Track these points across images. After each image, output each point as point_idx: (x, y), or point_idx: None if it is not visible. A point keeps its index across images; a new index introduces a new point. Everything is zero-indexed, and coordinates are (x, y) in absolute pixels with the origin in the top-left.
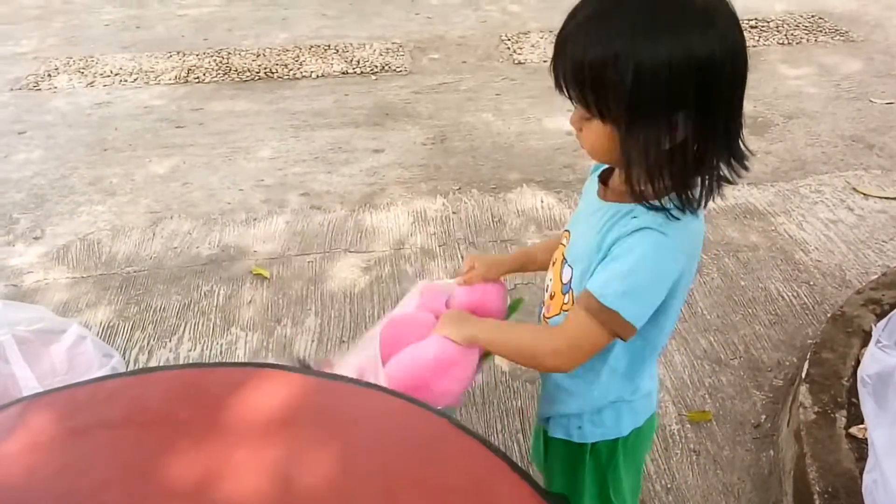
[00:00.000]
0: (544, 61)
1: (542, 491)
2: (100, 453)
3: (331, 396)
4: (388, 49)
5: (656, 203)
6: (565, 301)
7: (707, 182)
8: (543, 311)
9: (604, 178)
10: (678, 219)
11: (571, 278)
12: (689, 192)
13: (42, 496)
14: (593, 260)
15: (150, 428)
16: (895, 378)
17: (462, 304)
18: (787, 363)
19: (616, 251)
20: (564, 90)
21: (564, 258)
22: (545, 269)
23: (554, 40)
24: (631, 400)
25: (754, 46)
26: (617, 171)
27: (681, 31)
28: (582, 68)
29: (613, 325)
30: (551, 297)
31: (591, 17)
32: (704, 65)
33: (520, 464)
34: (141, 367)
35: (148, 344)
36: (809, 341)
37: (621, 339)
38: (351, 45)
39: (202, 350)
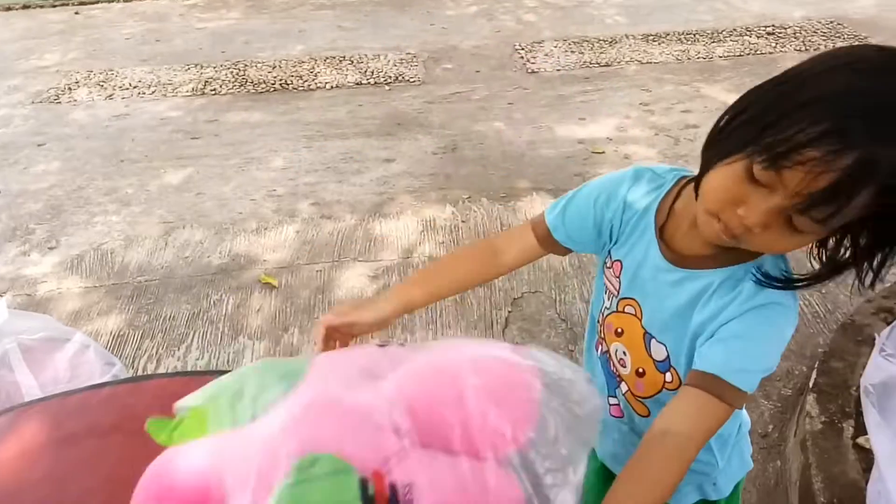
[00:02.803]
0: (557, 70)
1: None
2: (86, 461)
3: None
4: (402, 59)
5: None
6: (668, 380)
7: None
8: (626, 388)
9: (662, 235)
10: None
11: (669, 355)
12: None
13: (27, 501)
14: (695, 332)
15: (137, 436)
16: None
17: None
18: (797, 372)
19: (741, 327)
20: (820, 220)
21: (647, 331)
22: (464, 288)
23: (840, 167)
24: (746, 428)
25: (771, 53)
26: (690, 234)
27: None
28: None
29: (742, 403)
30: (638, 374)
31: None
32: None
33: None
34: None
35: (157, 353)
36: (820, 350)
37: None
38: (366, 55)
39: (210, 359)
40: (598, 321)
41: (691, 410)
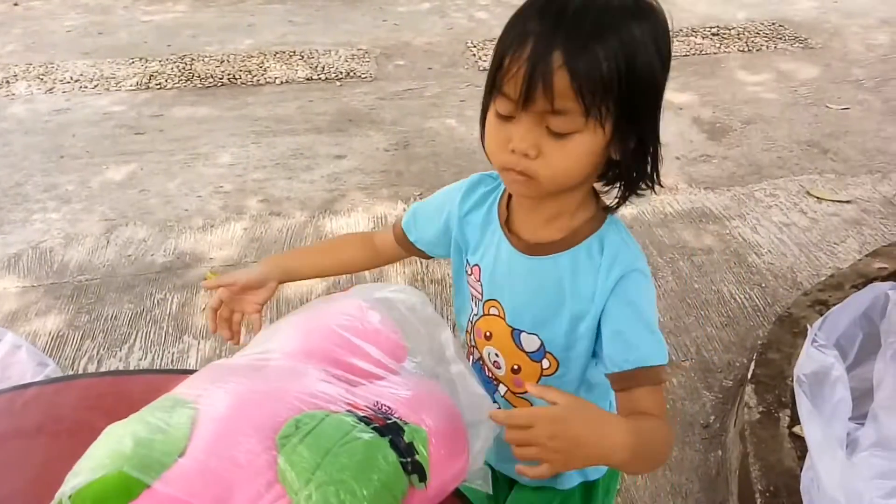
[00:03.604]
0: None
1: None
2: (11, 462)
3: None
4: (353, 55)
5: (604, 218)
6: (545, 366)
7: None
8: (504, 389)
9: (510, 229)
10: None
11: (542, 343)
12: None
13: None
14: (574, 315)
15: (63, 436)
16: (830, 377)
17: None
18: (738, 364)
19: (621, 313)
20: (546, 104)
21: (514, 328)
22: (345, 270)
23: (526, 53)
24: None
25: (715, 53)
26: (532, 219)
27: (659, 23)
28: (602, 73)
29: (666, 370)
30: (514, 371)
31: (584, 23)
32: (668, 58)
33: None
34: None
35: (98, 353)
36: (759, 342)
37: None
38: (316, 51)
39: (153, 359)
40: (468, 330)
41: (649, 404)
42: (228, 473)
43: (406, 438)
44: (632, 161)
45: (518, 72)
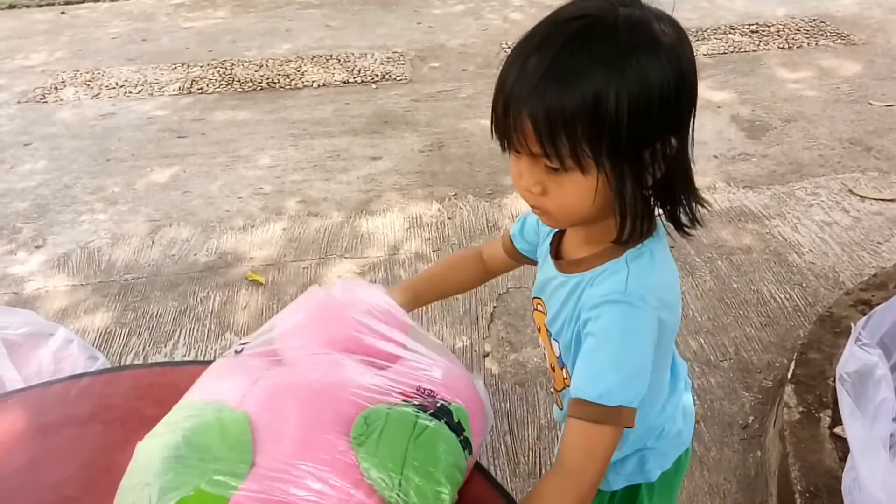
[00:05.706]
0: None
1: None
2: (65, 449)
3: None
4: (389, 58)
5: (631, 250)
6: (565, 376)
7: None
8: (553, 382)
9: (552, 249)
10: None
11: (560, 352)
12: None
13: (4, 488)
14: (569, 336)
15: (114, 424)
16: (874, 376)
17: None
18: (777, 364)
19: (588, 336)
20: (527, 147)
21: (549, 330)
22: (459, 290)
23: (500, 100)
24: (655, 447)
25: (754, 51)
26: (570, 239)
27: (656, 52)
28: (563, 116)
29: (623, 420)
30: (552, 369)
31: (554, 63)
32: (681, 85)
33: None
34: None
35: (143, 349)
36: (800, 342)
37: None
38: (353, 54)
39: (196, 355)
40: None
41: (577, 441)
42: (309, 477)
43: (455, 418)
44: (631, 193)
45: (496, 119)
